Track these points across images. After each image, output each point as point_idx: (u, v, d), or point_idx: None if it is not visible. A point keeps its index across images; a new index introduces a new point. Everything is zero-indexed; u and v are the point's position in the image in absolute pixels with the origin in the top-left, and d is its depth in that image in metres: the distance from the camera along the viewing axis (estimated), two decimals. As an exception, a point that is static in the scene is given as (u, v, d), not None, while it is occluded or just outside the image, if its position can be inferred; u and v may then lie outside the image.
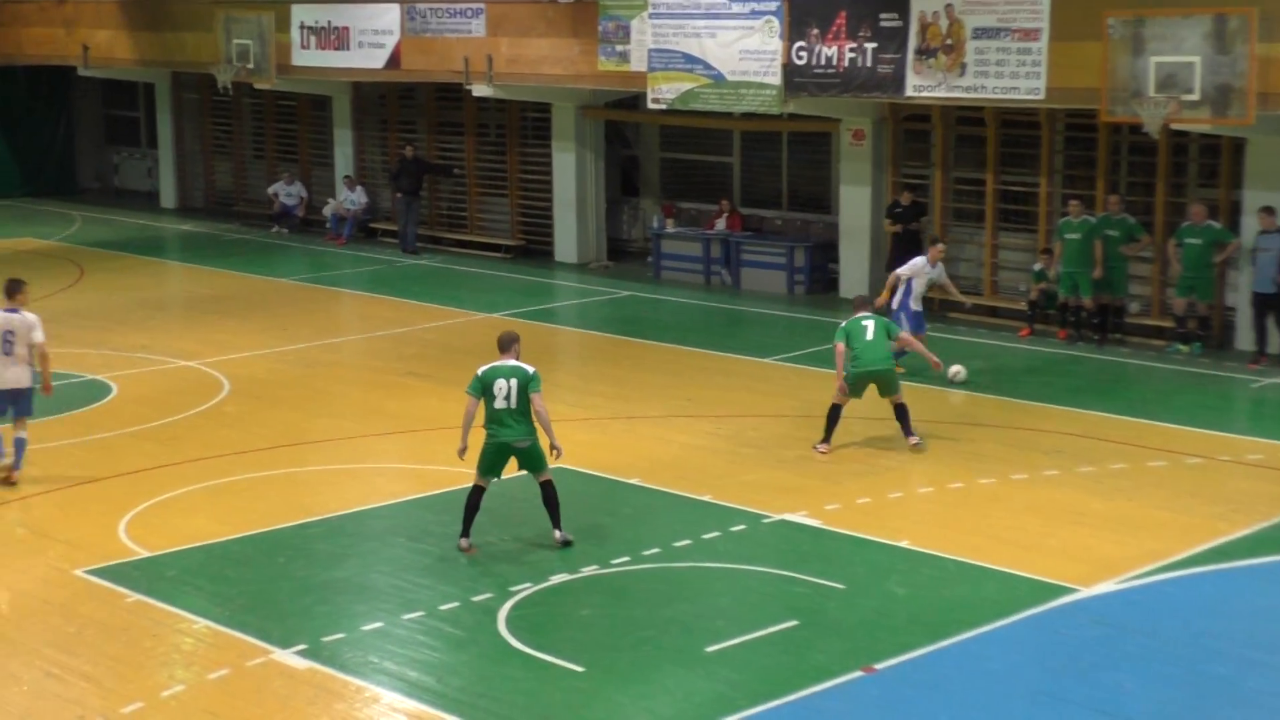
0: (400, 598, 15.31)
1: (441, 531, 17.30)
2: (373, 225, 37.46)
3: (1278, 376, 23.97)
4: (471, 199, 36.84)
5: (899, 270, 23.16)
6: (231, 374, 24.20)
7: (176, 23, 38.60)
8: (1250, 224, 24.55)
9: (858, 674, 13.27)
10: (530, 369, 15.64)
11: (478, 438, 15.88)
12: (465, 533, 15.80)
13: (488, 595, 15.20)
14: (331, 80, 36.45)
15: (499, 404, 15.54)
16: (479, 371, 15.88)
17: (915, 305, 23.22)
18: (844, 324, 19.51)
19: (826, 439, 19.10)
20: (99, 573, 16.06)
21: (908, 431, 19.46)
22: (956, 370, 22.46)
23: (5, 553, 16.86)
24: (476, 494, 15.90)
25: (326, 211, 37.44)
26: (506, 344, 15.81)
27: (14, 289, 18.24)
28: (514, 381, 15.45)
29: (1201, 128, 24.41)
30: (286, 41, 35.92)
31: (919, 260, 23.30)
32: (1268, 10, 23.00)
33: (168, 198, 42.87)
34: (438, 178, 37.06)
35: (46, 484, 19.01)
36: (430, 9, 33.54)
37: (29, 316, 18.14)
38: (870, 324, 19.29)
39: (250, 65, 36.31)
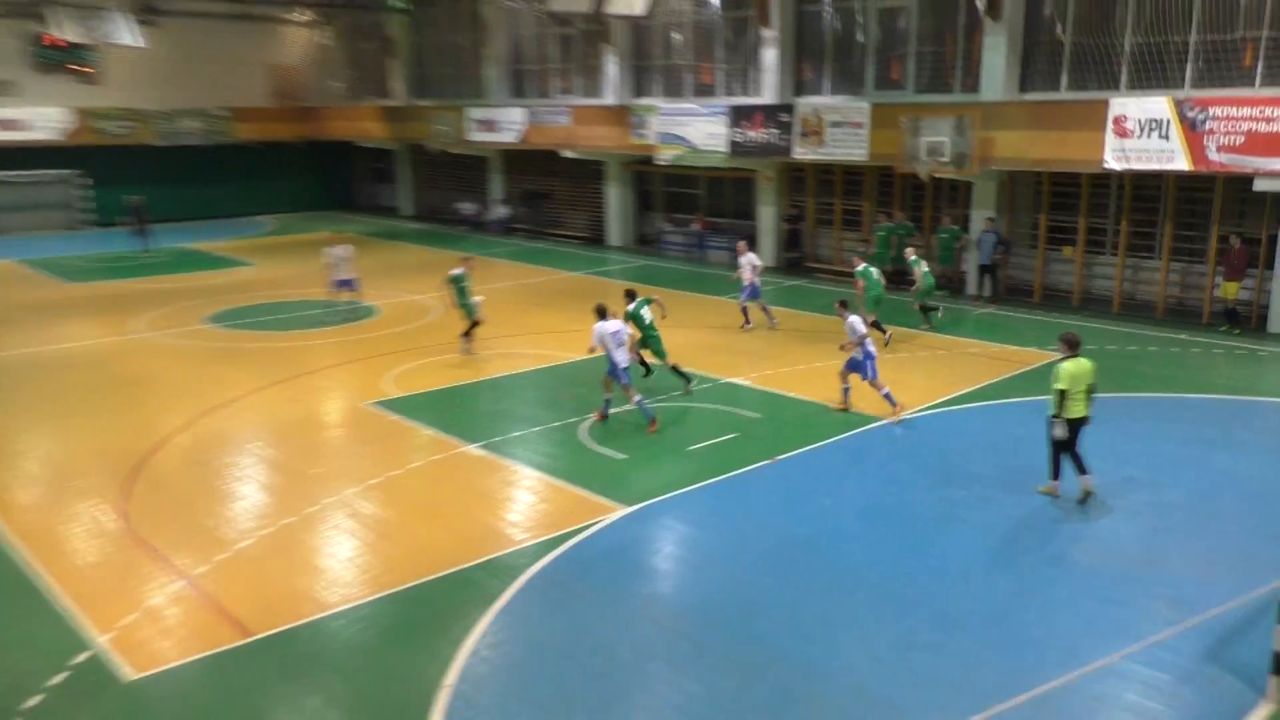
0: (529, 420, 17.63)
1: (541, 384, 20.00)
2: (513, 227, 44.29)
3: (995, 308, 27.21)
4: (563, 207, 43.62)
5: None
6: (441, 303, 26.95)
7: (408, 117, 47.65)
8: (976, 226, 28.85)
9: (766, 461, 15.60)
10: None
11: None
12: None
13: (573, 419, 17.70)
14: (488, 148, 43.15)
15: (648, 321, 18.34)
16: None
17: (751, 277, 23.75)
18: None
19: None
20: (374, 404, 19.00)
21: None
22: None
23: (329, 392, 19.74)
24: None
25: (489, 217, 44.19)
26: (629, 295, 18.58)
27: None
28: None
29: (949, 176, 28.38)
30: (463, 127, 43.59)
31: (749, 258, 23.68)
32: (985, 112, 26.15)
33: (405, 209, 52.41)
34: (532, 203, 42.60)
35: (347, 358, 22.30)
36: (542, 110, 40.13)
37: None
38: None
39: (445, 139, 44.97)
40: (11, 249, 40.20)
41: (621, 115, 36.65)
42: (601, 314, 17.44)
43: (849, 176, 33.33)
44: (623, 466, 15.59)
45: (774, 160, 33.08)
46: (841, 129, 30.74)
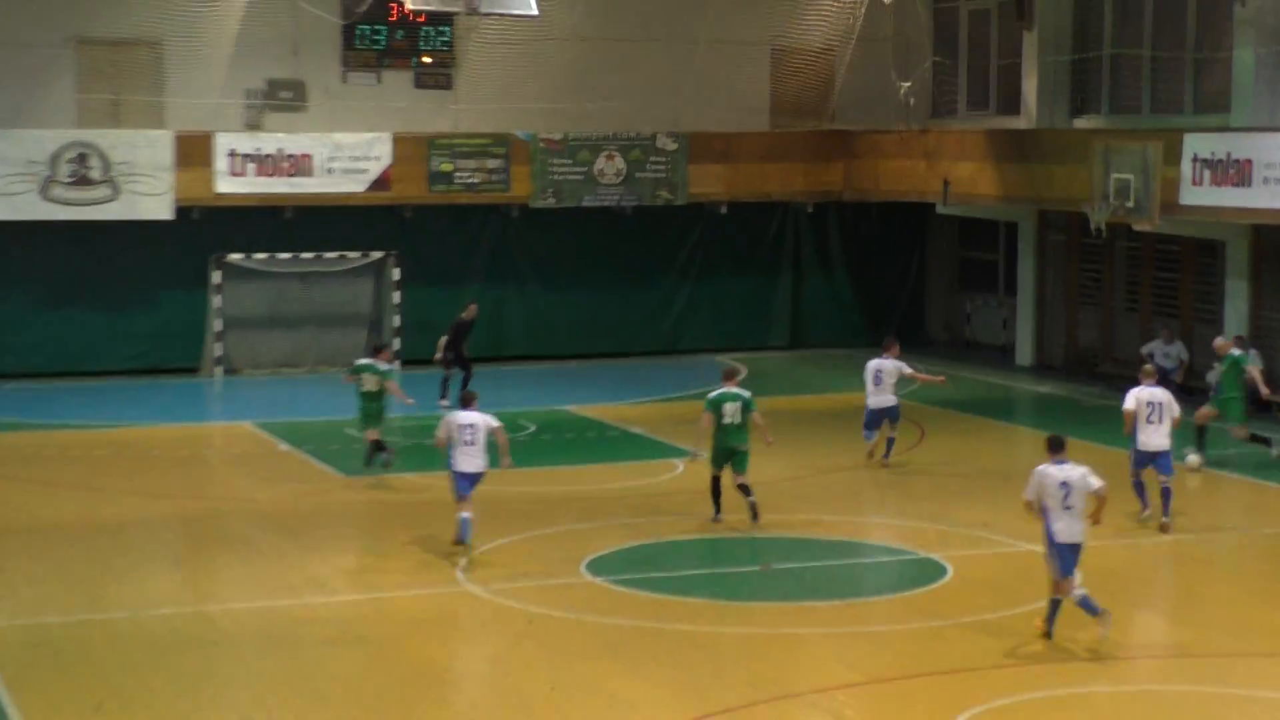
0: None
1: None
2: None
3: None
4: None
5: None
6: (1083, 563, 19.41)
7: (1045, 154, 31.83)
8: None
9: None
10: (747, 394, 20.70)
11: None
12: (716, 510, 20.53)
13: None
14: (1226, 222, 29.23)
15: (726, 420, 20.68)
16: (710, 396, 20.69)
17: None
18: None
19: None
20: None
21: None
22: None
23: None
24: (715, 482, 20.65)
25: (1210, 378, 28.51)
26: (729, 375, 20.71)
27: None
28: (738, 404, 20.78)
29: None
30: (1174, 176, 28.66)
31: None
32: None
33: (1023, 353, 35.28)
34: None
35: (869, 673, 16.54)
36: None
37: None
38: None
39: (1129, 203, 29.86)
40: (256, 403, 30.89)
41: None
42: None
43: None
44: None
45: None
46: None
